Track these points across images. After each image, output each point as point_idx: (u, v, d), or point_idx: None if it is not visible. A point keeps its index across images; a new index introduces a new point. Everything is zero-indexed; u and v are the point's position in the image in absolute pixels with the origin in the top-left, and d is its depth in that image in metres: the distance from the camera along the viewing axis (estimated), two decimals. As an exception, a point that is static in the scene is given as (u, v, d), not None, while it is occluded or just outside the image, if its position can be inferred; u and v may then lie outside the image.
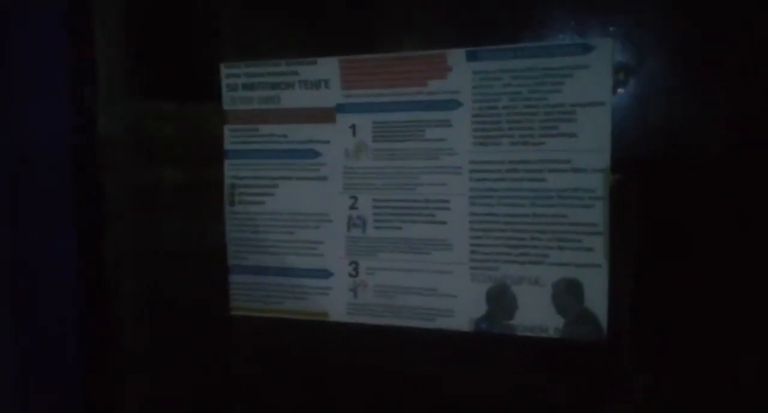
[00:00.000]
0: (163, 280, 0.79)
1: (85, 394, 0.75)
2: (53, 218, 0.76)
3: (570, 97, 0.61)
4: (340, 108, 0.69)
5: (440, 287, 0.67)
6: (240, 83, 0.73)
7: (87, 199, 0.76)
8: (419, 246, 0.68)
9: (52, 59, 0.74)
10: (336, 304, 0.71)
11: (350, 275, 0.71)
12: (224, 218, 0.75)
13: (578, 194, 0.62)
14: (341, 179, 0.70)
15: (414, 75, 0.67)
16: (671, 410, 0.61)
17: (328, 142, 0.70)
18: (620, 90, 0.60)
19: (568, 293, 0.63)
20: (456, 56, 0.65)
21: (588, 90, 0.61)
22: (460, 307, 0.67)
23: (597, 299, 0.62)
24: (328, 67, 0.70)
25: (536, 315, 0.64)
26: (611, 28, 0.60)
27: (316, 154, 0.71)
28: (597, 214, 0.61)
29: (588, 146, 0.61)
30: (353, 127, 0.69)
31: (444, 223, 0.67)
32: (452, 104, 0.65)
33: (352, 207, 0.70)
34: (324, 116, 0.70)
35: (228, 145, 0.74)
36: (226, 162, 0.74)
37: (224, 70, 0.74)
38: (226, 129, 0.74)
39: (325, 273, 0.72)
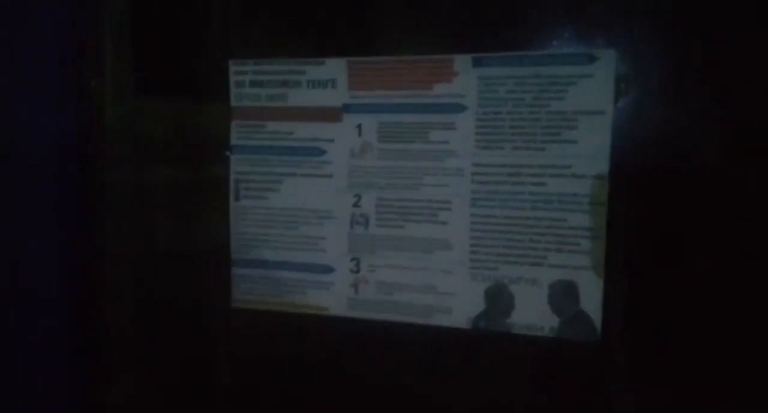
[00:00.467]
0: (169, 272, 0.80)
1: (83, 381, 0.76)
2: (56, 213, 0.76)
3: (572, 105, 0.63)
4: (347, 108, 0.71)
5: (440, 286, 0.69)
6: (248, 80, 0.75)
7: (91, 194, 0.77)
8: (420, 245, 0.70)
9: (59, 52, 0.75)
10: (336, 299, 0.73)
11: (352, 271, 0.72)
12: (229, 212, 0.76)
13: (578, 199, 0.64)
14: (346, 177, 0.72)
15: (420, 78, 0.68)
16: (663, 408, 0.63)
17: (333, 140, 0.72)
18: (621, 100, 0.62)
19: (565, 295, 0.65)
20: (462, 62, 0.67)
21: (590, 99, 0.63)
22: (459, 305, 0.69)
23: (592, 300, 0.64)
24: (336, 67, 0.71)
25: (533, 314, 0.66)
26: (614, 40, 0.62)
27: (322, 152, 0.72)
28: (595, 218, 0.64)
29: (588, 153, 0.63)
30: (359, 127, 0.71)
31: (445, 223, 0.69)
32: (457, 108, 0.67)
33: (356, 205, 0.71)
34: (330, 115, 0.71)
35: (234, 140, 0.76)
36: (232, 157, 0.76)
37: (233, 67, 0.75)
38: (233, 125, 0.75)
39: (327, 269, 0.73)
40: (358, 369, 0.72)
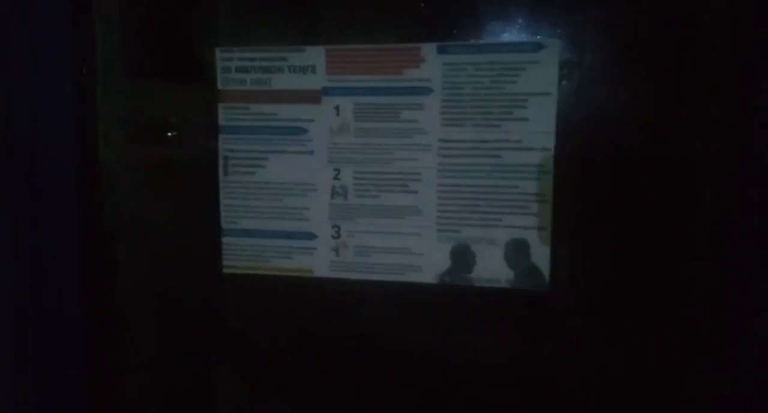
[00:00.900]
0: (166, 244, 0.88)
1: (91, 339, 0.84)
2: (58, 190, 0.83)
3: (523, 88, 0.73)
4: (326, 91, 0.79)
5: (411, 247, 0.79)
6: (233, 66, 0.82)
7: (89, 174, 0.83)
8: (393, 212, 0.79)
9: (57, 43, 0.81)
10: (320, 262, 0.82)
11: (333, 237, 0.81)
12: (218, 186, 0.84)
13: (528, 168, 0.74)
14: (326, 153, 0.80)
15: (391, 64, 0.77)
16: (602, 345, 0.75)
17: (313, 120, 0.80)
18: (564, 83, 0.72)
19: (518, 251, 0.76)
20: (428, 49, 0.76)
21: (538, 82, 0.73)
22: (428, 263, 0.79)
23: (541, 255, 0.75)
24: (315, 54, 0.79)
25: (491, 269, 0.77)
26: (559, 31, 0.72)
27: (304, 131, 0.81)
28: (544, 185, 0.74)
29: (537, 129, 0.73)
30: (337, 108, 0.79)
31: (415, 192, 0.78)
32: (424, 91, 0.76)
33: (336, 178, 0.80)
34: (311, 97, 0.80)
35: (222, 121, 0.83)
36: (221, 137, 0.83)
37: (219, 54, 0.82)
38: (221, 107, 0.83)
39: (311, 235, 0.82)
40: (341, 323, 0.82)
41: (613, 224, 0.73)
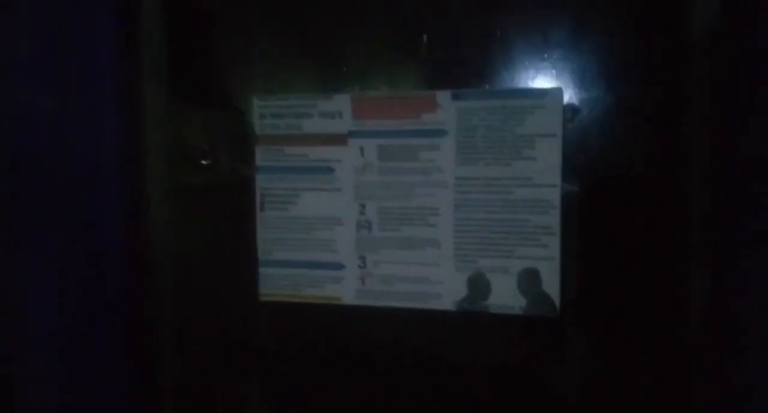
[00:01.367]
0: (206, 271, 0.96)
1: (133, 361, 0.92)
2: (106, 223, 0.92)
3: (530, 130, 0.80)
4: (351, 134, 0.87)
5: (430, 276, 0.86)
6: (269, 113, 0.91)
7: (135, 201, 0.93)
8: (414, 244, 0.86)
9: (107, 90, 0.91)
10: (347, 290, 0.89)
11: (359, 267, 0.89)
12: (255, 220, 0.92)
13: (537, 203, 0.81)
14: (352, 190, 0.88)
15: (410, 110, 0.85)
16: (611, 370, 0.80)
17: (341, 161, 0.88)
18: (568, 125, 0.79)
19: (530, 280, 0.82)
20: (444, 96, 0.83)
21: (544, 124, 0.80)
22: (446, 291, 0.85)
23: (552, 284, 0.81)
24: (341, 101, 0.87)
25: (505, 296, 0.83)
26: (561, 79, 0.79)
27: (331, 170, 0.89)
28: (552, 219, 0.80)
29: (544, 167, 0.80)
30: (362, 149, 0.87)
31: (434, 226, 0.85)
32: (440, 133, 0.84)
33: (361, 213, 0.88)
34: (338, 140, 0.88)
35: (259, 162, 0.92)
36: (258, 176, 0.92)
37: (256, 102, 0.91)
38: (258, 149, 0.92)
39: (339, 266, 0.89)
40: (367, 347, 0.89)
41: (617, 253, 0.79)
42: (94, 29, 0.91)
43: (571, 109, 0.79)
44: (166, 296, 0.97)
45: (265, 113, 0.91)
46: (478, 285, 0.84)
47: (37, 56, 0.90)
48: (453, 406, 0.86)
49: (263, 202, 0.92)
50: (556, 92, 0.79)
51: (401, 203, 0.86)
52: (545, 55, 0.80)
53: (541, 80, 0.80)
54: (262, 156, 0.92)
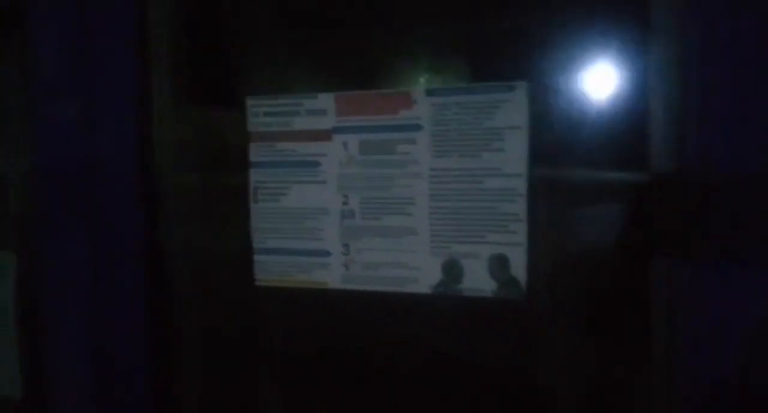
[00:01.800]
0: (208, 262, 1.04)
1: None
2: (122, 214, 1.01)
3: (498, 123, 0.85)
4: (335, 130, 0.94)
5: (408, 262, 0.91)
6: (261, 112, 0.98)
7: (149, 200, 1.01)
8: (393, 232, 0.92)
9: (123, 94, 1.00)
10: (333, 275, 0.95)
11: (343, 254, 0.95)
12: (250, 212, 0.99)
13: (505, 192, 0.86)
14: (336, 182, 0.94)
15: (389, 106, 0.91)
16: (577, 351, 0.85)
17: (326, 155, 0.95)
18: (533, 118, 0.84)
19: (499, 265, 0.87)
20: (419, 93, 0.89)
21: (511, 118, 0.85)
22: (423, 276, 0.91)
23: (519, 268, 0.86)
24: (326, 100, 0.94)
25: (477, 280, 0.88)
26: (526, 74, 0.84)
27: (318, 164, 0.95)
28: (519, 207, 0.85)
29: (511, 158, 0.85)
30: (345, 144, 0.93)
31: (411, 214, 0.91)
32: (416, 127, 0.89)
33: (345, 203, 0.94)
34: (323, 136, 0.94)
35: (252, 157, 0.99)
36: (251, 170, 0.99)
37: (249, 102, 0.99)
38: (251, 146, 0.99)
39: (325, 253, 0.96)
40: (352, 328, 0.95)
41: (581, 239, 0.83)
42: (114, 36, 1.00)
43: (535, 102, 0.83)
44: (176, 283, 1.05)
45: (258, 111, 0.98)
46: (452, 270, 0.89)
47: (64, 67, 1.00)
48: (427, 381, 0.91)
49: (256, 194, 0.99)
50: (521, 87, 0.84)
51: (381, 194, 0.92)
52: (510, 52, 0.85)
53: (507, 76, 0.85)
54: (254, 152, 0.99)
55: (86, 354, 1.02)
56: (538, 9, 0.84)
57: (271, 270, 0.99)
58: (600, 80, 0.82)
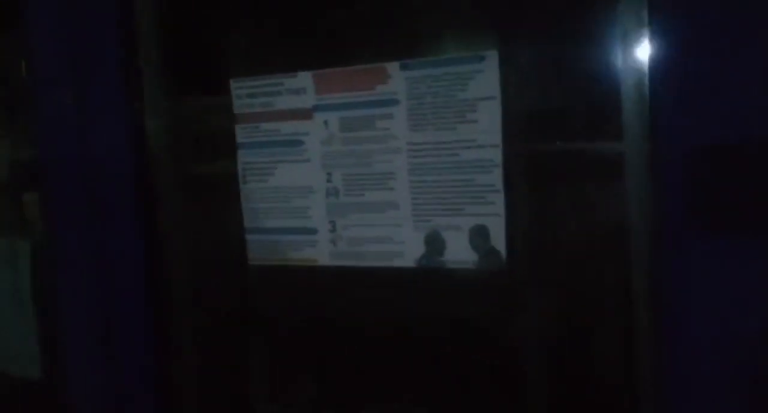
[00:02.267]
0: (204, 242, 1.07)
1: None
2: (120, 202, 1.04)
3: (472, 94, 0.85)
4: (315, 108, 0.95)
5: (392, 236, 0.92)
6: (244, 93, 0.99)
7: (146, 189, 1.04)
8: (376, 207, 0.93)
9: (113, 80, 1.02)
10: (322, 252, 0.97)
11: (330, 231, 0.96)
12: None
13: (482, 163, 0.85)
14: (319, 160, 0.95)
15: (365, 82, 0.91)
16: (555, 316, 0.85)
17: (308, 134, 0.96)
18: (505, 87, 0.83)
19: (479, 236, 0.87)
20: (393, 67, 0.89)
21: (483, 88, 0.84)
22: (407, 250, 0.92)
23: (498, 239, 0.86)
24: (305, 78, 0.95)
25: (459, 252, 0.88)
26: (496, 43, 0.83)
27: (301, 143, 0.96)
28: (495, 177, 0.85)
29: (486, 128, 0.84)
30: (326, 122, 0.94)
31: (392, 189, 0.91)
32: (393, 102, 0.90)
33: (328, 181, 0.95)
34: (304, 114, 0.95)
35: (239, 139, 1.01)
36: (239, 152, 1.01)
37: (233, 84, 1.00)
38: (237, 127, 1.01)
39: (313, 230, 0.98)
40: (341, 301, 0.97)
41: (557, 208, 0.83)
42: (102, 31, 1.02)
43: (506, 71, 0.82)
44: (178, 264, 1.08)
45: (241, 93, 1.00)
46: (435, 243, 0.90)
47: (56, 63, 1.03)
48: (413, 350, 0.93)
49: (245, 175, 1.01)
50: (492, 56, 0.83)
51: (362, 170, 0.93)
52: (479, 22, 0.84)
53: (477, 47, 0.84)
54: (240, 133, 1.01)
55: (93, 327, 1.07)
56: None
57: (262, 249, 1.01)
58: (580, 46, 0.80)
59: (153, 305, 1.03)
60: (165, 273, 1.06)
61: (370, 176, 0.92)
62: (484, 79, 0.84)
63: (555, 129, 0.82)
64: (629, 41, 0.76)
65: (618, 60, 0.77)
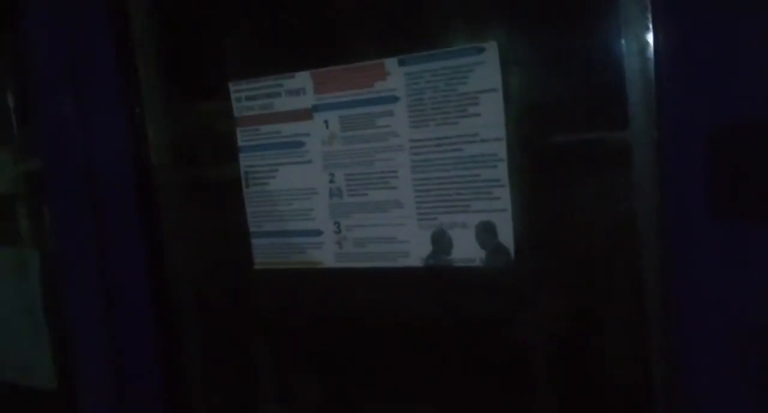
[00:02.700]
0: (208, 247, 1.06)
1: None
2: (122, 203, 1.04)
3: (473, 87, 0.82)
4: (315, 108, 0.93)
5: (398, 236, 0.90)
6: (244, 96, 0.98)
7: (147, 192, 1.03)
8: (380, 206, 0.91)
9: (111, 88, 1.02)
10: (326, 255, 0.96)
11: (335, 232, 0.95)
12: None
13: (485, 158, 0.83)
14: (321, 161, 0.94)
15: (364, 79, 0.89)
16: (562, 314, 0.82)
17: (309, 134, 0.94)
18: (507, 78, 0.80)
19: (486, 232, 0.84)
20: (391, 63, 0.87)
21: (484, 80, 0.81)
22: (413, 249, 0.89)
23: (506, 235, 0.83)
24: (303, 78, 0.93)
25: (466, 250, 0.86)
26: (496, 34, 0.80)
27: (302, 144, 0.95)
28: (500, 172, 0.82)
29: (489, 122, 0.82)
30: (326, 122, 0.92)
31: (395, 188, 0.89)
32: (392, 99, 0.88)
33: (331, 181, 0.94)
34: (304, 115, 0.94)
35: (240, 142, 0.99)
36: (240, 155, 1.00)
37: (232, 87, 0.99)
38: (238, 131, 0.99)
39: (318, 232, 0.96)
40: (348, 304, 0.95)
41: (564, 202, 0.80)
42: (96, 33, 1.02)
43: (508, 62, 0.80)
44: (178, 266, 1.07)
45: (240, 96, 0.98)
46: (441, 241, 0.88)
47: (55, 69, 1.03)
48: (422, 350, 0.91)
49: (247, 179, 1.00)
50: (492, 47, 0.81)
51: (365, 169, 0.91)
52: (477, 12, 0.81)
53: (476, 38, 0.82)
54: (242, 136, 0.99)
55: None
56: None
57: (267, 253, 1.00)
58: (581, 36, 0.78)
59: (158, 311, 1.02)
60: (170, 280, 1.05)
61: (373, 175, 0.91)
62: (484, 72, 0.81)
63: (560, 120, 0.80)
64: (632, 28, 0.74)
65: (622, 46, 0.75)
